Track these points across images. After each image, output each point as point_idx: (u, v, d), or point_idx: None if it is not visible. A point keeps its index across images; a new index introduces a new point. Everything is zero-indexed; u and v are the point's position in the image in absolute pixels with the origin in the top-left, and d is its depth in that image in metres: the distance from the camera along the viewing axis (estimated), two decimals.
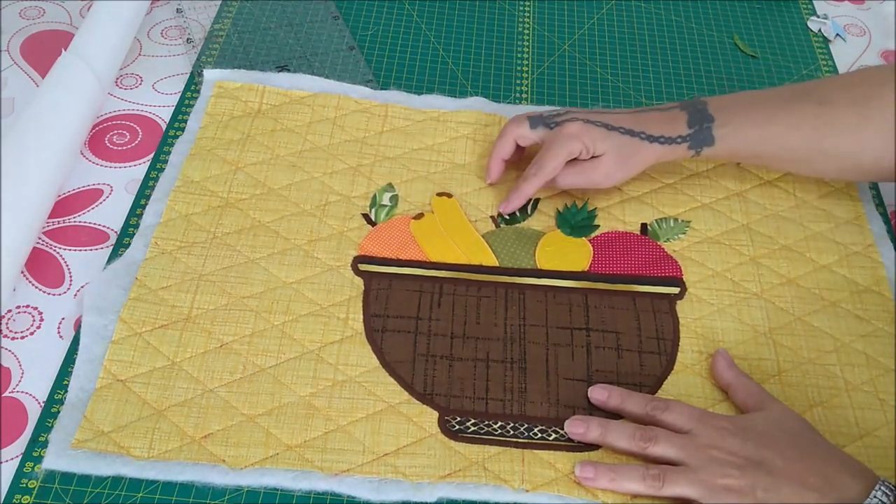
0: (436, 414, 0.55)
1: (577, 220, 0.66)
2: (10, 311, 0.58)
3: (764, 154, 0.64)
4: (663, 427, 0.53)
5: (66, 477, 0.51)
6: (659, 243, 0.65)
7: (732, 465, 0.50)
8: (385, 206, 0.66)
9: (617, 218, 0.67)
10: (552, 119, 0.65)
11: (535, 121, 0.66)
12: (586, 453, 0.54)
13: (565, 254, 0.64)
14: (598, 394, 0.56)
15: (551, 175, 0.64)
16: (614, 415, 0.55)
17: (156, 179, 0.66)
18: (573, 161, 0.63)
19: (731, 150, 0.64)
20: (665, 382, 0.57)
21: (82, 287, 0.60)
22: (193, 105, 0.72)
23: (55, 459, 0.51)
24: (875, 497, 0.48)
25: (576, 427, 0.54)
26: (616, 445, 0.53)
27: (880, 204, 0.71)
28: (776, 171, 0.70)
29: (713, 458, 0.50)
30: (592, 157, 0.63)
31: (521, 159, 0.69)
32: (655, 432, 0.52)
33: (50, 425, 0.53)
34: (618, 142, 0.63)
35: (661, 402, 0.54)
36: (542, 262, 0.63)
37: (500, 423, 0.55)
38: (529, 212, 0.67)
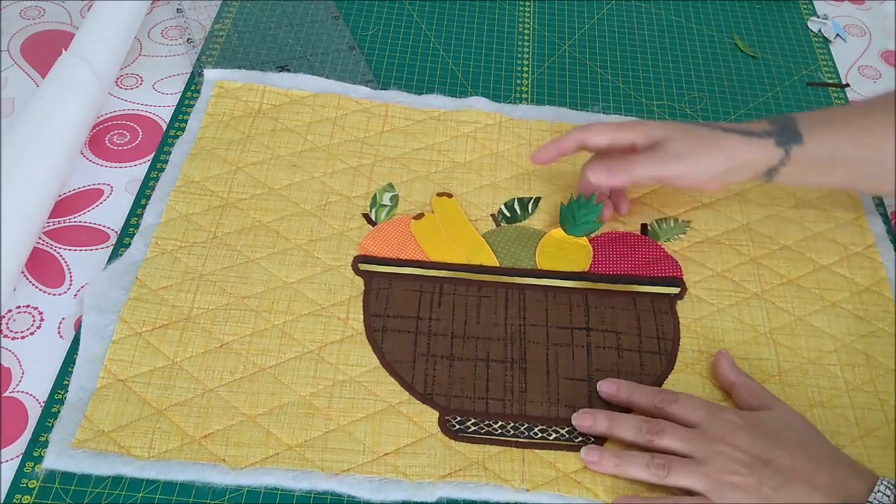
0: (436, 413, 0.55)
1: (581, 214, 0.65)
2: (10, 311, 0.58)
3: (854, 156, 0.60)
4: (671, 419, 0.53)
5: (67, 477, 0.51)
6: (659, 243, 0.65)
7: (740, 462, 0.49)
8: (385, 205, 0.66)
9: (617, 218, 0.67)
10: None
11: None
12: None
13: (565, 254, 0.64)
14: (606, 387, 0.56)
15: (590, 139, 0.61)
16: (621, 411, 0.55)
17: (156, 179, 0.66)
18: (644, 153, 0.60)
19: (821, 152, 0.59)
20: (665, 382, 0.57)
21: (82, 287, 0.60)
22: (194, 105, 0.72)
23: (55, 459, 0.51)
24: (877, 494, 0.48)
25: (584, 420, 0.54)
26: (623, 437, 0.53)
27: (880, 204, 0.71)
28: (863, 188, 0.64)
29: (720, 452, 0.50)
30: (656, 143, 0.60)
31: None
32: (662, 425, 0.52)
33: (50, 425, 0.53)
34: (684, 127, 0.60)
35: (669, 395, 0.54)
36: (543, 263, 0.63)
37: (500, 423, 0.55)
38: (531, 210, 0.67)
